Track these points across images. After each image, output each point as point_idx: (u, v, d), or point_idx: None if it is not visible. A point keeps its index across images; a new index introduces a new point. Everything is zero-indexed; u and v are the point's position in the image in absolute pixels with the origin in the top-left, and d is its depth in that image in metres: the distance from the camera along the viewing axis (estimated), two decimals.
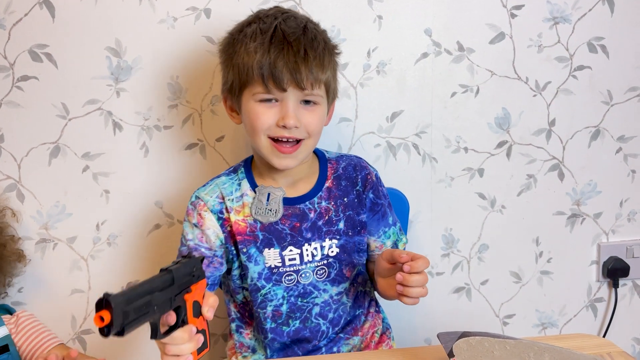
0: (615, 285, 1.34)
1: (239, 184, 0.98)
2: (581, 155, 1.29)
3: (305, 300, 0.97)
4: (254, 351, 1.01)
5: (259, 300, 0.96)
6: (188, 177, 1.20)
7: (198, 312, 0.74)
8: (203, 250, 0.95)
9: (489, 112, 1.25)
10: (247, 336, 1.01)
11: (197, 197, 0.97)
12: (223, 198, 0.96)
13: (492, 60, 1.23)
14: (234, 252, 0.96)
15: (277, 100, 0.91)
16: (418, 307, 1.29)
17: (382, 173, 1.24)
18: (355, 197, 1.00)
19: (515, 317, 1.34)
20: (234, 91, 0.93)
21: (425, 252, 1.29)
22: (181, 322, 0.72)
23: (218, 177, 1.00)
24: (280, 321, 0.97)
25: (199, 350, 0.75)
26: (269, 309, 0.96)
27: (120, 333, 0.60)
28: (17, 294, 1.20)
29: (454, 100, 1.24)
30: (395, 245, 1.05)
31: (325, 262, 0.96)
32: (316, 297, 0.97)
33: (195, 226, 0.96)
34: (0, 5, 1.10)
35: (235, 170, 1.01)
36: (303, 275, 0.96)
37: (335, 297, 0.98)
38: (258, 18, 0.93)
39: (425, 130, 1.25)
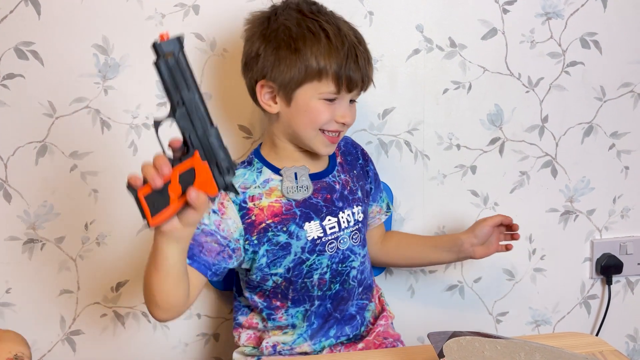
0: (608, 282, 1.33)
1: (260, 172, 1.01)
2: (574, 152, 1.28)
3: (344, 265, 1.03)
4: (293, 327, 1.03)
5: (304, 272, 1.00)
6: None
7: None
8: (219, 237, 0.96)
9: (481, 109, 1.25)
10: (281, 319, 1.03)
11: None
12: (245, 188, 0.98)
13: (485, 57, 1.22)
14: (255, 242, 0.97)
15: (336, 99, 0.96)
16: (411, 305, 1.31)
17: None
18: (360, 170, 1.11)
19: (508, 315, 1.34)
20: (290, 85, 0.94)
21: None
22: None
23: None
24: (325, 288, 1.02)
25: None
26: (315, 277, 1.01)
27: None
28: (5, 294, 1.19)
29: (446, 96, 1.23)
30: (387, 206, 1.18)
31: (357, 226, 1.04)
32: (353, 260, 1.04)
33: (214, 212, 0.96)
34: None
35: (250, 162, 1.03)
36: (342, 241, 1.02)
37: (362, 260, 1.06)
38: (312, 13, 0.96)
39: (417, 127, 1.24)
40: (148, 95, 1.16)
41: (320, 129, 0.97)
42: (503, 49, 1.23)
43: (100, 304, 1.23)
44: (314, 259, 1.00)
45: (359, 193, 1.07)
